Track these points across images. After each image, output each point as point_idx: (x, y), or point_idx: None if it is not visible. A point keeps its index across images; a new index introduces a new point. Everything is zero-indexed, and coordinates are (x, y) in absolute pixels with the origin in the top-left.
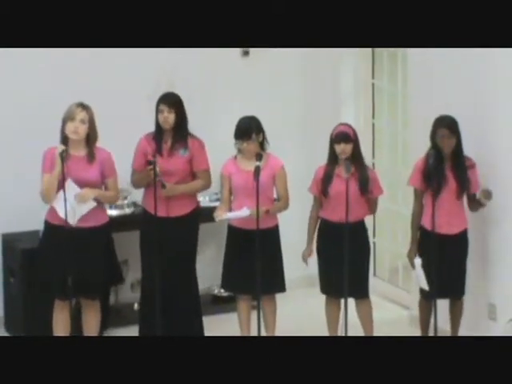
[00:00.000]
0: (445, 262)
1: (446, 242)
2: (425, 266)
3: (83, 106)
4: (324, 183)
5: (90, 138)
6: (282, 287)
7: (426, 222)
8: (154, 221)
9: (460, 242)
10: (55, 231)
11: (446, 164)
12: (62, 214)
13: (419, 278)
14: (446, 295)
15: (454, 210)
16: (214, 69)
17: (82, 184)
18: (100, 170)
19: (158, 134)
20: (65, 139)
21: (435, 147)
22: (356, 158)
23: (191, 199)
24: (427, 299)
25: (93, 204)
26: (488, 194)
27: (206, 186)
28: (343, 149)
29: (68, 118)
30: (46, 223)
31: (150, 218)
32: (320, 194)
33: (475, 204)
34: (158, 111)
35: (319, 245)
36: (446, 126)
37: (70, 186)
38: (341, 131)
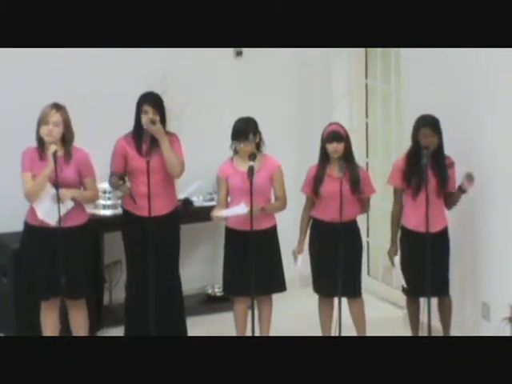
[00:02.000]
0: (425, 260)
1: (427, 241)
2: (406, 265)
3: (57, 108)
4: (316, 183)
5: (66, 139)
6: (282, 287)
7: (407, 221)
8: (136, 220)
9: (440, 240)
10: (36, 232)
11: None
12: (40, 215)
13: (399, 276)
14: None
15: (434, 208)
16: (207, 69)
17: (58, 184)
18: (77, 169)
19: (139, 133)
20: (40, 140)
21: (416, 146)
22: (348, 157)
23: (172, 199)
24: (411, 298)
25: (71, 204)
26: (470, 178)
27: (183, 170)
28: (335, 148)
29: (41, 120)
30: (27, 225)
31: (131, 217)
32: (312, 193)
33: (454, 198)
34: (141, 111)
35: (311, 244)
36: (429, 124)
37: (48, 186)
38: (332, 130)
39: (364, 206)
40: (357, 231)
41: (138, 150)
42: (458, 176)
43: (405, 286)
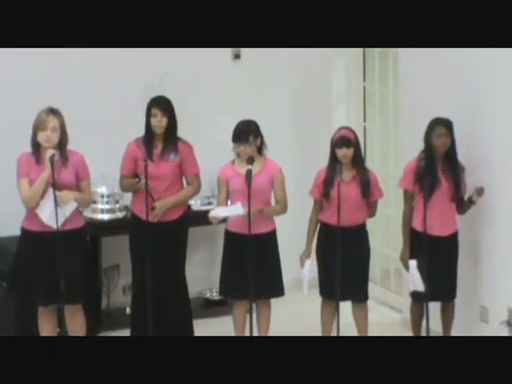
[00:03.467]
0: (437, 264)
1: (438, 244)
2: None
3: (54, 113)
4: (326, 187)
5: (62, 142)
6: (280, 291)
7: (418, 224)
8: (145, 225)
9: (451, 244)
10: (34, 238)
11: (439, 165)
12: (45, 220)
13: (414, 280)
14: (437, 298)
15: (446, 211)
16: (206, 72)
17: (57, 187)
18: (74, 172)
19: (149, 137)
20: (36, 145)
21: (429, 148)
22: (357, 161)
23: (181, 204)
24: (419, 302)
25: (74, 205)
26: (480, 191)
27: (197, 190)
28: (345, 153)
29: (39, 127)
30: (24, 231)
31: (140, 222)
32: (321, 197)
33: (464, 206)
34: (149, 115)
35: (319, 248)
36: (444, 124)
37: (49, 189)
38: (342, 135)
39: (372, 210)
40: (365, 235)
41: (148, 154)
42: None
43: (421, 289)
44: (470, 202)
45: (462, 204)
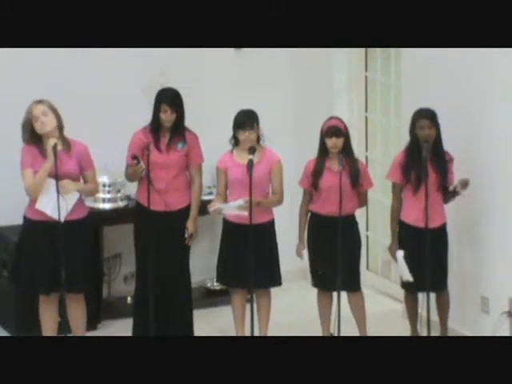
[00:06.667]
0: (425, 255)
1: (426, 236)
2: (406, 260)
3: (37, 102)
4: (315, 177)
5: (59, 128)
6: (277, 281)
7: (406, 216)
8: (150, 215)
9: (440, 235)
10: (36, 227)
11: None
12: (48, 211)
13: (402, 271)
14: (426, 288)
15: (434, 203)
16: (207, 63)
17: (60, 177)
18: (77, 162)
19: (156, 127)
20: (38, 138)
21: (414, 140)
22: (347, 151)
23: (187, 194)
24: (410, 292)
25: (77, 195)
26: (464, 184)
27: (202, 184)
28: (334, 143)
29: (30, 119)
30: (27, 219)
31: (146, 212)
32: (311, 187)
33: (449, 196)
34: (159, 109)
35: (310, 239)
36: (426, 116)
37: (49, 181)
38: (332, 125)
39: (362, 200)
40: (355, 225)
41: (156, 144)
42: (457, 171)
43: (407, 279)
44: (455, 193)
45: (446, 194)
